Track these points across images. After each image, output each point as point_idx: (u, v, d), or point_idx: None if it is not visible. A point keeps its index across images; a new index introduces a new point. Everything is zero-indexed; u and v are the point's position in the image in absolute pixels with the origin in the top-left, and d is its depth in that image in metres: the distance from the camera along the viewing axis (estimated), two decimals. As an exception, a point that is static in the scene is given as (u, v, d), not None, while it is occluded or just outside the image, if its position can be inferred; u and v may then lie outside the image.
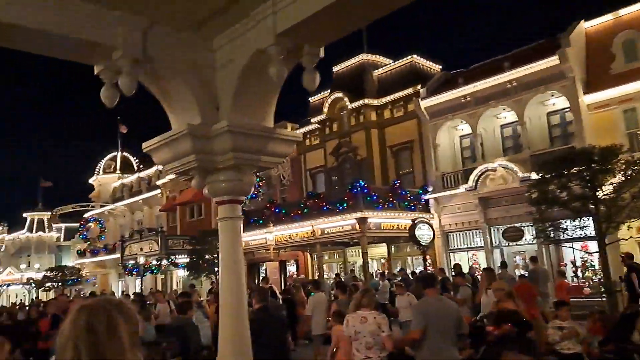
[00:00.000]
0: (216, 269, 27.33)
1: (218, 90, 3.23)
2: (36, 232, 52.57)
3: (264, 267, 27.56)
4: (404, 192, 20.99)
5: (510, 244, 19.75)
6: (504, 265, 15.25)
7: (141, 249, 30.00)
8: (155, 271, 30.38)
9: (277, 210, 22.18)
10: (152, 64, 2.96)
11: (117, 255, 38.01)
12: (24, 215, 53.72)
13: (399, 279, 15.64)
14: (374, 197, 19.58)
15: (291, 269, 27.19)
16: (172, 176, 36.56)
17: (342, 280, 14.55)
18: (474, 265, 19.52)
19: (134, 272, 31.28)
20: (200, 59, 3.20)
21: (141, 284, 28.79)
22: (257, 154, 3.26)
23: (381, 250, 23.95)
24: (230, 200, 3.28)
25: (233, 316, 3.16)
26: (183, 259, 29.44)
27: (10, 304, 36.55)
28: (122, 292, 37.98)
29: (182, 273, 33.40)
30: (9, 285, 49.69)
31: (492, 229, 20.33)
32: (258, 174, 25.83)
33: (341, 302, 8.82)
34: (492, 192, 19.60)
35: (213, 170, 3.26)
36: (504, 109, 20.52)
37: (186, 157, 3.19)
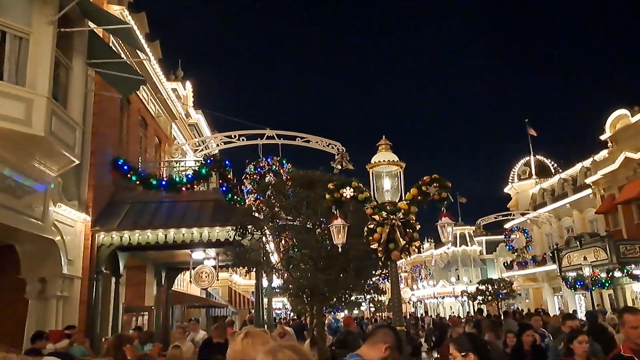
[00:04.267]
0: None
1: None
2: (460, 246, 53.80)
3: None
4: None
5: None
6: None
7: (585, 258, 25.13)
8: (606, 284, 24.95)
9: None
10: None
11: (549, 267, 34.08)
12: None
13: None
14: None
15: None
16: (607, 170, 30.53)
17: None
18: None
19: (577, 286, 26.57)
20: None
21: (592, 299, 23.83)
22: None
23: None
24: None
25: None
26: (644, 270, 23.28)
27: (449, 316, 37.36)
28: (560, 310, 33.61)
29: (639, 287, 26.85)
30: (443, 297, 52.07)
31: None
32: None
33: None
34: None
35: None
36: None
37: None
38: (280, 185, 11.32)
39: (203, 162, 12.98)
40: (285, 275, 12.16)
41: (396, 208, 6.74)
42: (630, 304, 27.05)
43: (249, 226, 10.46)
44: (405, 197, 6.87)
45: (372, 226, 6.70)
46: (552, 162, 44.14)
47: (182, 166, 13.66)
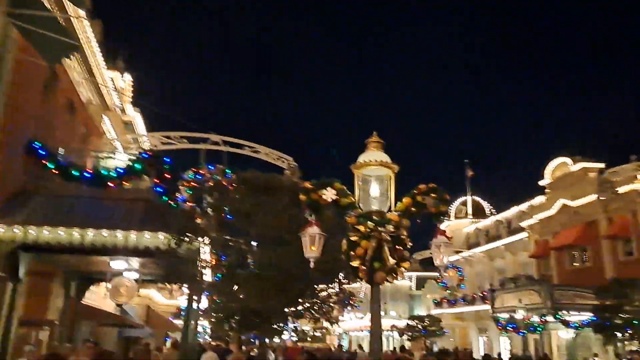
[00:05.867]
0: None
1: None
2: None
3: None
4: None
5: None
6: None
7: (520, 301, 24.93)
8: (539, 329, 24.76)
9: None
10: None
11: (479, 307, 33.98)
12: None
13: None
14: None
15: None
16: (543, 215, 31.05)
17: None
18: None
19: (509, 328, 26.30)
20: None
21: (523, 342, 23.54)
22: None
23: None
24: None
25: None
26: (576, 317, 23.27)
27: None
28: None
29: (565, 334, 26.86)
30: (370, 331, 51.09)
31: None
32: None
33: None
34: None
35: None
36: None
37: None
38: (224, 188, 9.78)
39: (138, 156, 11.20)
40: (215, 296, 10.51)
41: (385, 219, 5.45)
42: (555, 349, 27.14)
43: (188, 234, 8.80)
44: (396, 207, 5.62)
45: (354, 239, 5.38)
46: (488, 204, 45.04)
47: (112, 157, 11.79)
